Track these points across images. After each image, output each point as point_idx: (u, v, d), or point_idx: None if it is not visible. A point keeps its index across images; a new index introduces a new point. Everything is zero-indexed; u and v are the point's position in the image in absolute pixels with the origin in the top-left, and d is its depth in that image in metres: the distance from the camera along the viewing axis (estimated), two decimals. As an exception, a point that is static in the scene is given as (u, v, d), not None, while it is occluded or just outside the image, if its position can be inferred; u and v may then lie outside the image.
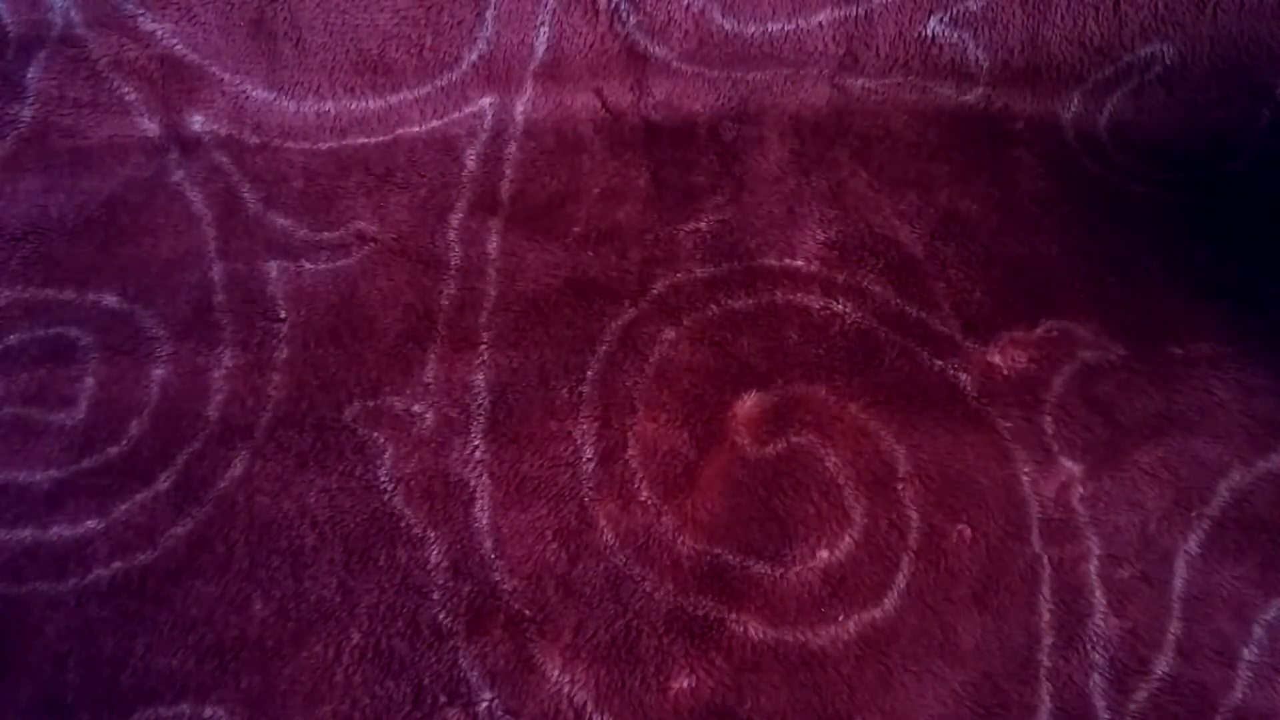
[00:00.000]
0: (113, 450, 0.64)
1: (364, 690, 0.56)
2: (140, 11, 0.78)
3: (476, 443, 0.66)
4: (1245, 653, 0.59)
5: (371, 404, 0.67)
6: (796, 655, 0.58)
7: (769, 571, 0.61)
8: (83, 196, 0.76)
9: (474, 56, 0.82)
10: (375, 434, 0.66)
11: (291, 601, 0.59)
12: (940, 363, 0.70)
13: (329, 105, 0.81)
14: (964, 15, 0.83)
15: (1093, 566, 0.61)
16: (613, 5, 0.81)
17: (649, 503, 0.63)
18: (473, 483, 0.64)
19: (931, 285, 0.74)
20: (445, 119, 0.82)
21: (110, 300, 0.71)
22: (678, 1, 0.81)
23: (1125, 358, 0.70)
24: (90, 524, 0.61)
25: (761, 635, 0.59)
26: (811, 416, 0.67)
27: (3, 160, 0.76)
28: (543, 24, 0.81)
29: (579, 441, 0.66)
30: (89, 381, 0.67)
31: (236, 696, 0.56)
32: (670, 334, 0.71)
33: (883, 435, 0.66)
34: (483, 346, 0.70)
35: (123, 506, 0.62)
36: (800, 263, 0.76)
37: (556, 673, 0.57)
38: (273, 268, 0.74)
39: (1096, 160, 0.83)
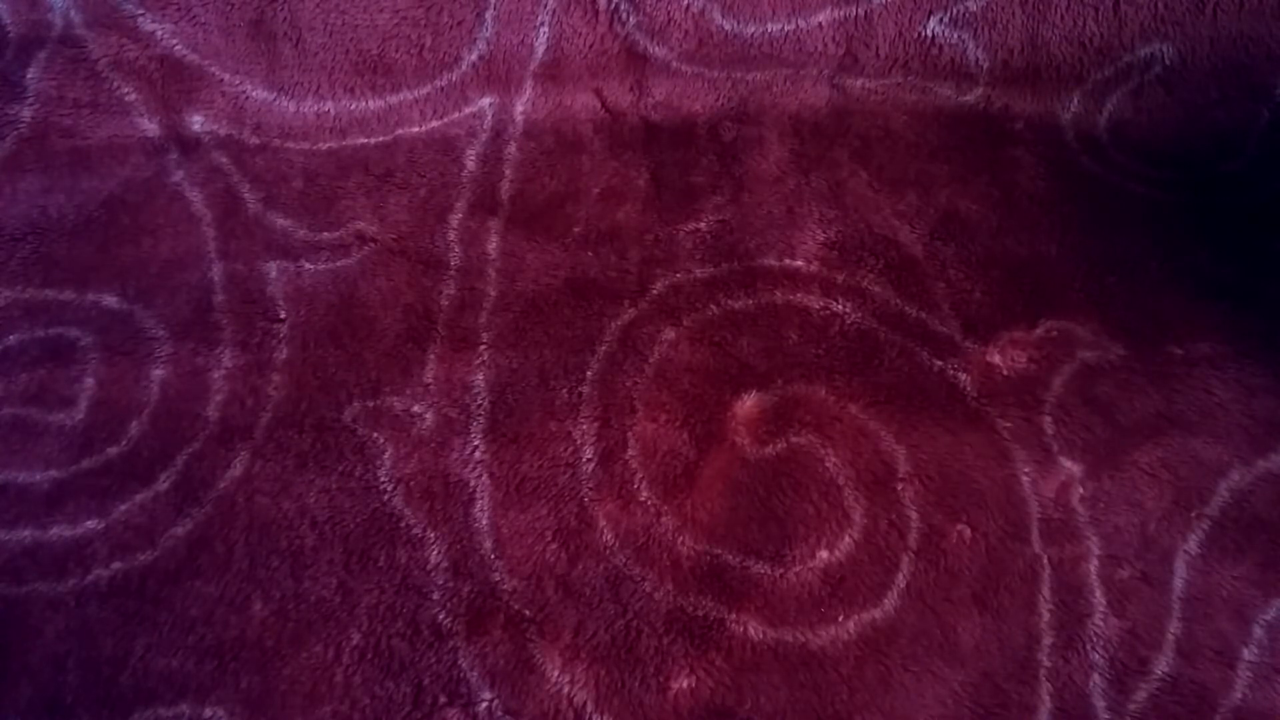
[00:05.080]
0: (112, 450, 0.64)
1: (364, 690, 0.56)
2: (140, 11, 0.78)
3: (476, 443, 0.66)
4: (1245, 653, 0.59)
5: (371, 404, 0.67)
6: (796, 655, 0.58)
7: (769, 571, 0.61)
8: (83, 196, 0.76)
9: (474, 57, 0.82)
10: (375, 434, 0.66)
11: (291, 601, 0.59)
12: (940, 363, 0.70)
13: (329, 105, 0.81)
14: (964, 15, 0.83)
15: (1093, 566, 0.61)
16: (613, 5, 0.81)
17: (649, 503, 0.63)
18: (473, 483, 0.64)
19: (931, 285, 0.74)
20: (445, 119, 0.82)
21: (110, 300, 0.71)
22: (678, 1, 0.81)
23: (1125, 358, 0.70)
24: (90, 524, 0.61)
25: (761, 635, 0.59)
26: (811, 416, 0.67)
27: (3, 160, 0.76)
28: (542, 24, 0.81)
29: (579, 442, 0.66)
30: (89, 382, 0.67)
31: (236, 696, 0.56)
32: (670, 334, 0.71)
33: (883, 435, 0.66)
34: (482, 347, 0.70)
35: (122, 507, 0.62)
36: (800, 263, 0.76)
37: (556, 673, 0.57)
38: (272, 268, 0.74)
39: (1096, 160, 0.83)
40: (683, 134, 0.84)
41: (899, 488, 0.64)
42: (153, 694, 0.56)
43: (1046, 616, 0.60)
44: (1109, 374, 0.70)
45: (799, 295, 0.74)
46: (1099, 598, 0.60)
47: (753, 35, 0.83)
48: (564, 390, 0.68)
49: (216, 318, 0.71)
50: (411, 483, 0.64)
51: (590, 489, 0.64)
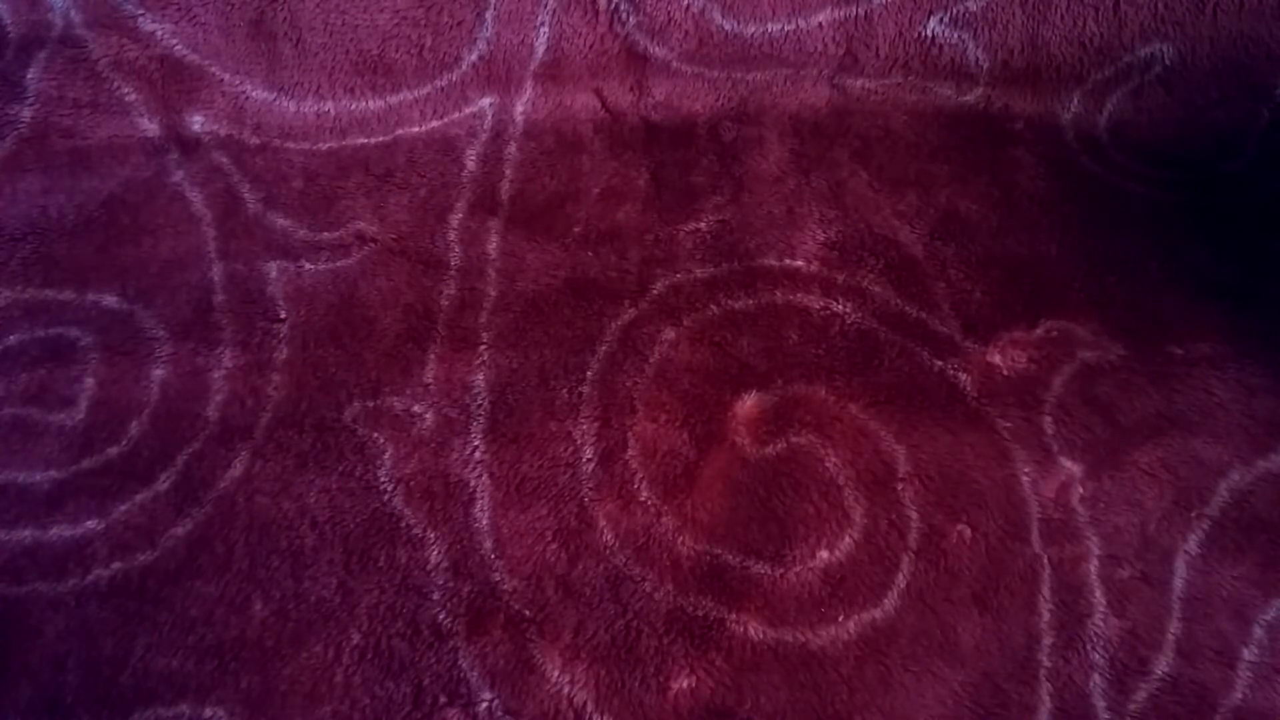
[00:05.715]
0: (113, 450, 0.64)
1: (364, 690, 0.56)
2: (140, 12, 0.78)
3: (476, 443, 0.66)
4: (1245, 653, 0.59)
5: (371, 404, 0.67)
6: (796, 655, 0.58)
7: (769, 571, 0.61)
8: (83, 196, 0.76)
9: (474, 57, 0.82)
10: (375, 434, 0.66)
11: (291, 601, 0.59)
12: (940, 363, 0.70)
13: (329, 105, 0.81)
14: (964, 15, 0.83)
15: (1093, 566, 0.61)
16: (613, 5, 0.81)
17: (649, 503, 0.63)
18: (473, 483, 0.64)
19: (931, 285, 0.74)
20: (445, 119, 0.82)
21: (110, 300, 0.71)
22: (678, 2, 0.81)
23: (1125, 358, 0.70)
24: (90, 524, 0.61)
25: (761, 635, 0.59)
26: (811, 416, 0.67)
27: (3, 160, 0.76)
28: (543, 24, 0.81)
29: (579, 441, 0.66)
30: (89, 382, 0.67)
31: (236, 696, 0.56)
32: (670, 334, 0.71)
33: (883, 435, 0.66)
34: (482, 347, 0.70)
35: (122, 507, 0.62)
36: (800, 263, 0.76)
37: (556, 673, 0.57)
38: (273, 268, 0.74)
39: (1096, 160, 0.83)
40: (683, 134, 0.84)
41: (899, 488, 0.64)
42: (153, 694, 0.56)
43: (1046, 616, 0.60)
44: (1109, 374, 0.70)
45: (799, 295, 0.74)
46: (1099, 598, 0.60)
47: (753, 35, 0.83)
48: (564, 390, 0.68)
49: (216, 318, 0.71)
50: (411, 483, 0.64)
51: (590, 489, 0.64)
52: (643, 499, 0.64)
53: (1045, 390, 0.69)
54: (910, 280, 0.75)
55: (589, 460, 0.65)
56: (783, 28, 0.83)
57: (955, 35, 0.83)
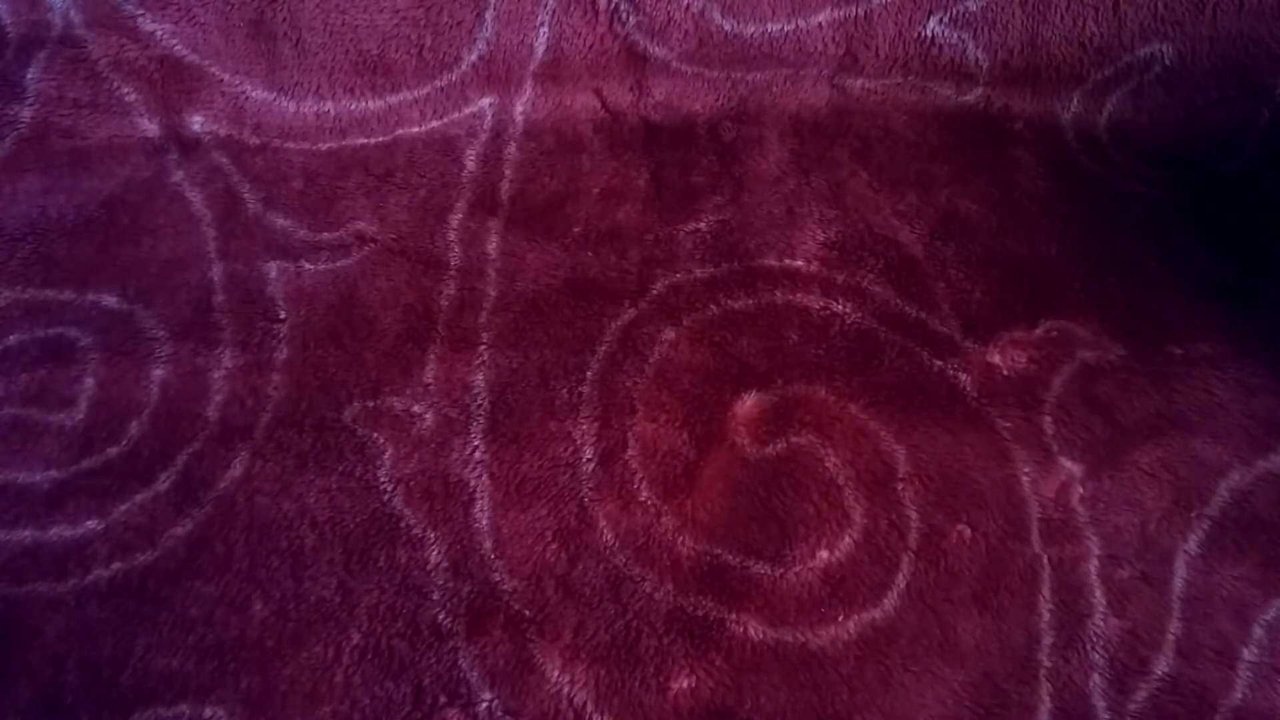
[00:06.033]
0: (112, 451, 0.64)
1: (364, 690, 0.56)
2: (140, 12, 0.78)
3: (476, 443, 0.66)
4: (1245, 653, 0.59)
5: (371, 404, 0.67)
6: (796, 655, 0.58)
7: (769, 571, 0.61)
8: (83, 196, 0.76)
9: (474, 57, 0.82)
10: (375, 434, 0.66)
11: (291, 601, 0.59)
12: (940, 363, 0.70)
13: (329, 105, 0.81)
14: (964, 15, 0.83)
15: (1093, 566, 0.61)
16: (613, 5, 0.81)
17: (649, 503, 0.63)
18: (473, 483, 0.64)
19: (931, 285, 0.74)
20: (445, 119, 0.82)
21: (110, 300, 0.71)
22: (678, 2, 0.81)
23: (1125, 358, 0.70)
24: (90, 524, 0.61)
25: (761, 635, 0.59)
26: (811, 416, 0.67)
27: (3, 160, 0.76)
28: (542, 24, 0.81)
29: (579, 441, 0.66)
30: (89, 382, 0.67)
31: (236, 696, 0.56)
32: (670, 334, 0.71)
33: (883, 435, 0.66)
34: (482, 347, 0.70)
35: (122, 507, 0.62)
36: (800, 263, 0.76)
37: (556, 673, 0.57)
38: (272, 268, 0.74)
39: (1096, 160, 0.83)
40: (683, 134, 0.84)
41: (899, 488, 0.64)
42: (153, 694, 0.56)
43: (1046, 616, 0.60)
44: (1109, 374, 0.70)
45: (799, 295, 0.74)
46: (1099, 598, 0.60)
47: (753, 35, 0.83)
48: (564, 390, 0.68)
49: (216, 318, 0.71)
50: (411, 483, 0.64)
51: (590, 489, 0.64)
52: (643, 499, 0.64)
53: (1045, 390, 0.69)
54: (910, 280, 0.75)
55: (589, 460, 0.65)
56: (783, 28, 0.83)
57: (955, 35, 0.83)
